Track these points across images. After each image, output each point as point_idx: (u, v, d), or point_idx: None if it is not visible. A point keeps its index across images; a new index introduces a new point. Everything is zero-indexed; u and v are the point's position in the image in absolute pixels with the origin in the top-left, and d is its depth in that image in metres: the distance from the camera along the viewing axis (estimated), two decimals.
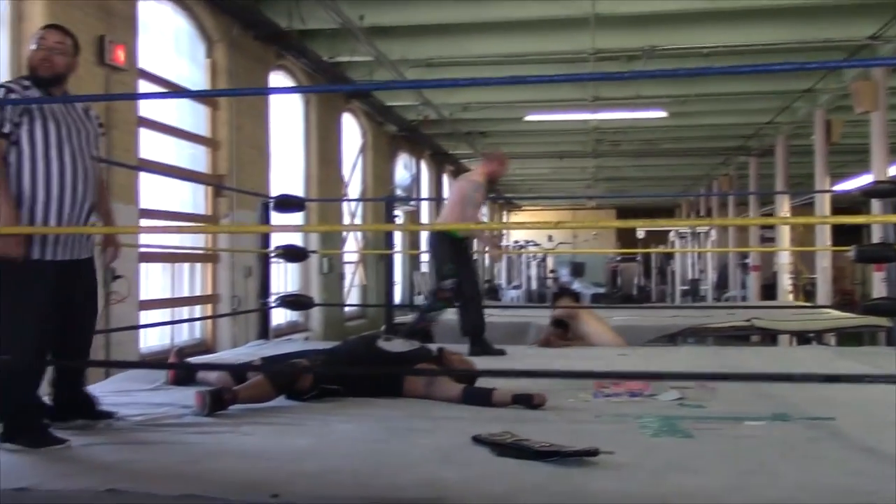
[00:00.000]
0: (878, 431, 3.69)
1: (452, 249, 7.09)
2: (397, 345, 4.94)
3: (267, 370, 4.65)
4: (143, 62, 8.52)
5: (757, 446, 3.53)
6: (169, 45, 9.47)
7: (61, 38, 3.73)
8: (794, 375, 3.92)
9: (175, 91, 9.34)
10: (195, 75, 9.96)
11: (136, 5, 8.28)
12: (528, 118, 17.06)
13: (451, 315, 9.32)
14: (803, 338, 10.15)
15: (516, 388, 4.47)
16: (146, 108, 8.61)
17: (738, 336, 10.36)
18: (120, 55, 7.70)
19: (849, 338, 10.02)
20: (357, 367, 4.81)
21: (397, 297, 16.77)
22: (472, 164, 23.55)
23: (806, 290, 19.25)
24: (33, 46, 3.68)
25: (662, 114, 16.16)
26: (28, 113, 3.55)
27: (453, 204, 7.31)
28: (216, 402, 4.11)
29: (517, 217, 37.72)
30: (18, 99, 3.60)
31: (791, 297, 17.22)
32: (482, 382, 4.64)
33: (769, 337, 10.75)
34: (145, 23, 8.69)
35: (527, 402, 4.30)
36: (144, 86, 8.54)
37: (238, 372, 4.69)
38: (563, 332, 7.67)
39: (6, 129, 3.48)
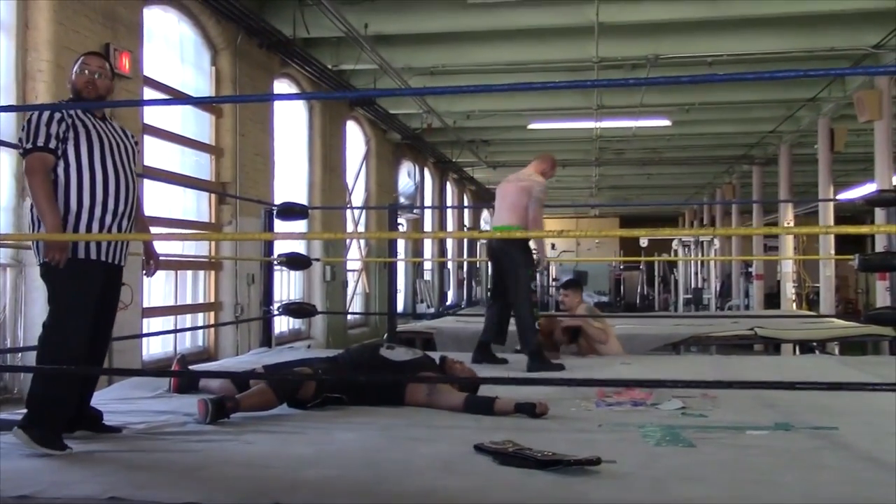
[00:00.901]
0: (881, 441, 3.68)
1: (526, 253, 6.68)
2: (400, 353, 4.94)
3: (270, 378, 4.65)
4: (149, 70, 8.55)
5: (760, 456, 3.52)
6: (174, 52, 9.50)
7: (102, 64, 4.02)
8: (797, 384, 3.90)
9: (179, 98, 9.37)
10: (200, 83, 9.99)
11: (141, 13, 8.32)
12: (532, 126, 17.08)
13: (451, 323, 9.30)
14: (806, 347, 10.13)
15: (519, 396, 4.47)
16: (151, 116, 8.63)
17: (741, 345, 10.34)
18: (125, 63, 7.74)
19: (852, 347, 9.99)
20: (360, 375, 4.81)
21: (400, 306, 16.79)
22: (477, 172, 23.62)
23: (809, 299, 19.23)
24: (77, 71, 3.94)
25: (666, 122, 16.18)
26: (73, 130, 3.79)
27: (520, 206, 6.61)
28: (218, 411, 4.12)
29: None
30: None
31: (794, 305, 17.19)
32: (484, 391, 4.63)
33: (772, 346, 10.71)
34: (151, 31, 8.73)
35: (529, 410, 4.29)
36: (149, 93, 8.56)
37: (241, 380, 4.69)
38: (568, 338, 7.55)
39: (52, 144, 3.72)
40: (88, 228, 3.79)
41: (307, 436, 3.90)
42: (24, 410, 3.79)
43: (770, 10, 10.03)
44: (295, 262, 8.17)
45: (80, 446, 3.61)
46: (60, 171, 3.76)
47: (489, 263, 6.89)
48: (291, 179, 12.65)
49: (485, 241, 7.17)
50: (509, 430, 3.88)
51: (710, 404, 4.67)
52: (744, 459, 3.48)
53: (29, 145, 3.72)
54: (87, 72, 3.92)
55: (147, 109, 8.52)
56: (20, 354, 6.67)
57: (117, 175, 3.89)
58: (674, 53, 11.67)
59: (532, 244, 7.17)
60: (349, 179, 15.20)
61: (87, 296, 3.80)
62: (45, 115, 3.78)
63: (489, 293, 6.99)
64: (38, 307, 6.72)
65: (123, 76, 7.75)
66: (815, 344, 9.96)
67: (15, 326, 6.72)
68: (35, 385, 3.79)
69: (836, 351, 9.93)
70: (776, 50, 11.62)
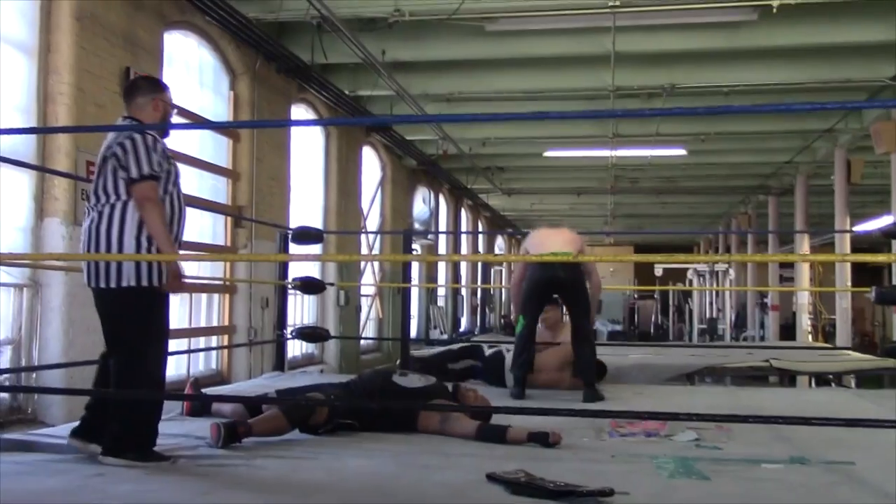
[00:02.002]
0: None
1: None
2: (413, 380, 4.92)
3: (283, 402, 4.64)
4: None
5: (775, 490, 3.48)
6: (193, 77, 9.59)
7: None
8: (813, 419, 3.86)
9: (198, 123, 9.44)
10: (218, 107, 10.08)
11: (161, 38, 8.42)
12: (548, 154, 17.11)
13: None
14: (822, 379, 10.04)
15: (532, 425, 4.44)
16: (169, 139, 8.69)
17: (755, 377, 10.25)
18: None
19: (868, 380, 9.90)
20: (372, 401, 4.79)
21: (413, 331, 16.77)
22: (492, 199, 23.66)
23: (825, 331, 19.08)
24: (166, 100, 4.07)
25: (682, 151, 16.18)
26: (167, 159, 3.91)
27: (577, 243, 6.73)
28: (230, 435, 4.11)
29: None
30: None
31: (810, 337, 17.06)
32: (497, 419, 4.61)
33: (787, 378, 10.62)
34: (171, 55, 8.82)
35: (542, 440, 4.26)
36: None
37: (253, 404, 4.69)
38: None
39: (158, 171, 3.81)
40: (152, 252, 3.84)
41: (319, 462, 3.89)
42: (41, 430, 3.81)
43: (786, 40, 10.05)
44: (309, 286, 8.18)
45: (93, 468, 3.61)
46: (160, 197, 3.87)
47: (530, 292, 6.55)
48: (307, 204, 12.70)
49: (540, 276, 6.64)
50: (522, 459, 3.86)
51: (724, 436, 4.63)
52: (758, 493, 3.44)
53: (146, 171, 3.76)
54: (169, 103, 4.07)
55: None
56: (34, 374, 6.70)
57: (181, 204, 4.02)
58: (690, 83, 11.70)
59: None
60: (364, 205, 15.25)
61: (167, 321, 4.04)
62: (150, 139, 3.83)
63: (572, 333, 6.69)
64: (52, 328, 6.76)
65: None
66: (831, 377, 9.88)
67: (30, 346, 6.74)
68: (121, 412, 3.79)
69: (853, 384, 9.83)
70: (792, 81, 11.62)
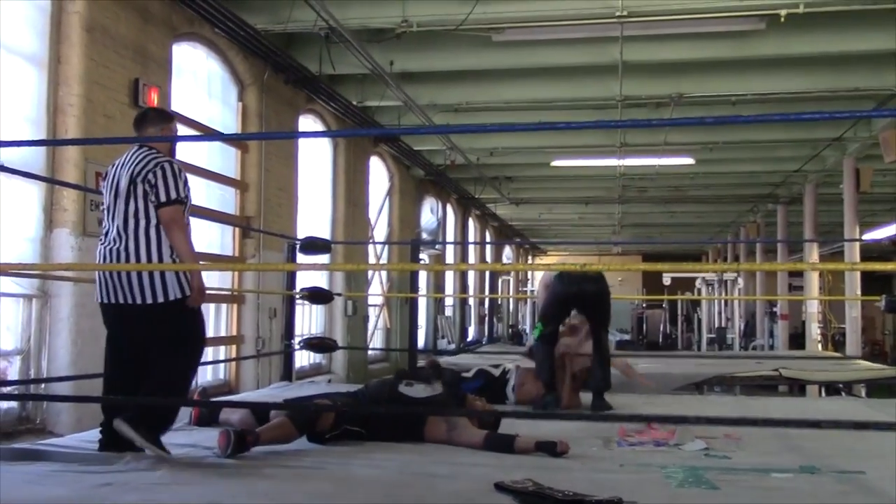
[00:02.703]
0: None
1: None
2: (419, 390, 4.91)
3: (290, 407, 4.65)
4: (176, 105, 8.67)
5: (784, 499, 3.47)
6: (202, 88, 9.64)
7: None
8: (823, 422, 3.84)
9: (206, 134, 9.48)
10: (227, 118, 10.11)
11: (170, 49, 8.46)
12: (555, 163, 17.11)
13: (471, 360, 9.26)
14: (832, 388, 10.00)
15: (540, 434, 4.43)
16: (177, 150, 8.72)
17: (765, 386, 10.22)
18: (154, 98, 7.85)
19: (879, 389, 9.85)
20: (379, 412, 4.78)
21: (421, 341, 16.77)
22: (500, 208, 23.67)
23: (835, 340, 19.00)
24: (174, 129, 4.54)
25: (690, 160, 16.15)
26: (186, 184, 4.25)
27: None
28: (239, 444, 4.11)
29: (542, 262, 37.67)
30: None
31: (820, 346, 16.99)
32: (505, 428, 4.60)
33: (797, 387, 10.59)
34: (179, 66, 8.86)
35: (550, 449, 4.25)
36: (177, 128, 8.65)
37: (261, 412, 4.70)
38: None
39: (184, 196, 4.18)
40: (183, 272, 4.19)
41: (327, 471, 3.89)
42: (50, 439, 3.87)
43: (794, 50, 10.04)
44: (317, 296, 8.19)
45: (101, 478, 3.62)
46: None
47: (554, 303, 6.46)
48: (315, 214, 12.73)
49: (566, 290, 6.50)
50: (530, 468, 3.85)
51: (733, 445, 4.61)
52: (768, 503, 3.42)
53: (174, 196, 4.12)
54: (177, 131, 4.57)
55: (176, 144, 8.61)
56: (43, 385, 6.71)
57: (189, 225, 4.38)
58: (698, 92, 11.69)
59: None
60: (372, 215, 15.27)
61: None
62: (176, 167, 4.19)
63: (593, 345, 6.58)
64: (61, 338, 6.78)
65: None
66: (841, 386, 9.83)
67: (39, 357, 6.76)
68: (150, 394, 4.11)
69: (863, 393, 9.79)
70: (801, 90, 11.60)
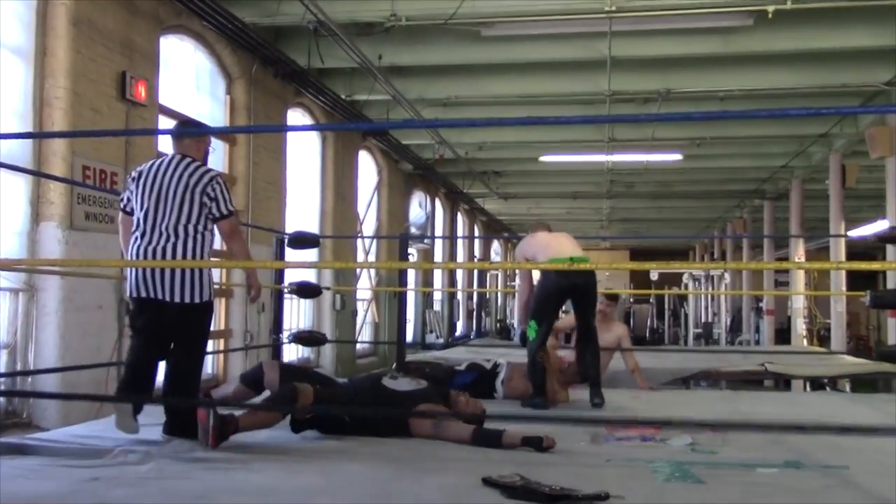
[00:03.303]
0: (893, 480, 3.65)
1: None
2: (402, 384, 4.91)
3: (266, 405, 4.69)
4: (164, 98, 8.64)
5: (769, 494, 3.49)
6: (190, 81, 9.60)
7: None
8: (808, 426, 3.88)
9: (193, 127, 9.44)
10: (215, 111, 10.08)
11: (158, 43, 8.42)
12: (543, 159, 17.13)
13: (460, 354, 9.26)
14: (817, 383, 10.07)
15: (526, 429, 4.45)
16: (165, 144, 8.69)
17: (751, 380, 10.28)
18: (141, 91, 7.83)
19: (863, 384, 9.92)
20: (363, 404, 4.77)
21: (409, 336, 16.77)
22: (488, 203, 23.68)
23: (820, 335, 19.12)
24: (208, 142, 4.85)
25: (677, 156, 16.21)
26: None
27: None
28: (220, 432, 4.11)
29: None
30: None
31: (805, 341, 17.10)
32: (492, 422, 4.61)
33: (783, 382, 10.65)
34: (167, 59, 8.83)
35: (537, 444, 4.27)
36: (164, 121, 8.64)
37: (252, 378, 5.02)
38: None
39: (234, 208, 4.62)
40: (211, 275, 4.64)
41: (315, 465, 3.89)
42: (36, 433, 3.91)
43: (782, 46, 10.08)
44: (305, 290, 8.16)
45: (84, 472, 3.62)
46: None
47: (549, 297, 6.31)
48: (303, 208, 12.71)
49: (559, 283, 6.33)
50: (518, 463, 3.86)
51: (719, 440, 4.64)
52: (753, 497, 3.45)
53: (231, 209, 4.58)
54: (210, 147, 4.89)
55: (162, 137, 8.60)
56: (30, 378, 6.69)
57: None
58: (685, 88, 11.72)
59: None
60: (361, 209, 15.26)
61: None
62: (225, 181, 4.62)
63: (580, 334, 6.49)
64: (48, 332, 6.76)
65: (139, 104, 7.84)
66: (825, 381, 9.90)
67: (26, 351, 6.74)
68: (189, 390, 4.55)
69: (847, 388, 9.86)
70: (788, 86, 11.65)
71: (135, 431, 4.33)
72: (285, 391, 4.52)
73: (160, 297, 4.41)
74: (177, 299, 4.41)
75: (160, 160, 4.60)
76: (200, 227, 4.50)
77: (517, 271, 6.62)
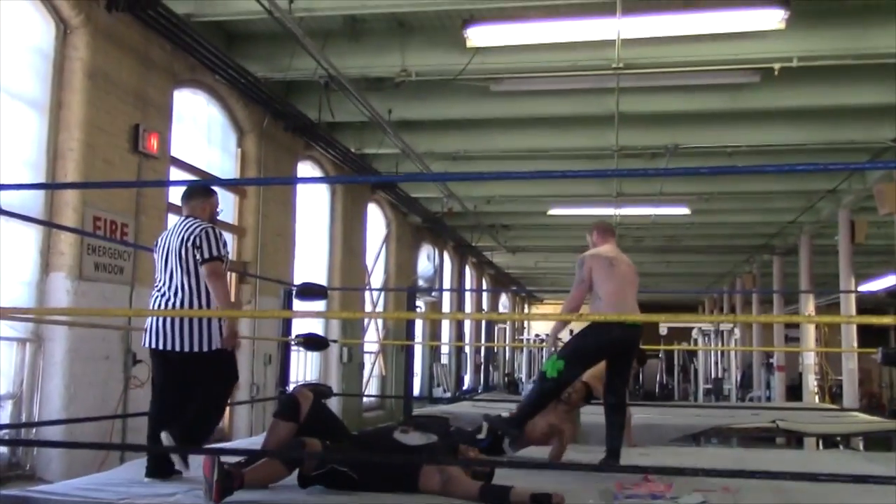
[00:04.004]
0: None
1: None
2: (414, 437, 4.84)
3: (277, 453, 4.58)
4: (176, 150, 8.72)
5: None
6: (202, 134, 9.70)
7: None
8: (820, 475, 3.79)
9: (205, 179, 9.52)
10: (226, 164, 10.17)
11: (171, 96, 8.53)
12: (552, 212, 17.18)
13: (468, 408, 9.18)
14: (830, 441, 9.92)
15: (535, 486, 4.38)
16: (176, 195, 8.75)
17: (762, 438, 10.14)
18: (153, 143, 7.90)
19: (877, 442, 9.77)
20: (373, 459, 4.71)
21: (416, 389, 16.67)
22: (496, 256, 23.68)
23: (832, 392, 18.92)
24: (214, 203, 5.19)
25: (685, 210, 16.23)
26: (224, 244, 4.94)
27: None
28: (224, 487, 4.05)
29: (538, 310, 37.63)
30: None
31: (817, 398, 16.90)
32: (500, 478, 4.55)
33: (795, 439, 10.50)
34: (180, 112, 8.93)
35: (545, 502, 4.19)
36: (176, 173, 8.71)
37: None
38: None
39: (224, 254, 4.89)
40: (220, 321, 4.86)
41: None
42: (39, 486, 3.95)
43: (788, 102, 10.16)
44: (312, 342, 8.14)
45: None
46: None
47: (597, 352, 5.62)
48: (312, 260, 12.73)
49: (621, 336, 5.44)
50: None
51: (730, 499, 4.56)
52: None
53: (215, 253, 4.80)
54: (220, 209, 5.30)
55: (172, 189, 8.66)
56: (34, 429, 6.65)
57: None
58: (693, 143, 11.79)
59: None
60: (369, 261, 15.28)
61: (235, 370, 5.15)
62: (217, 231, 4.92)
63: (607, 392, 5.79)
64: (54, 382, 6.73)
65: (151, 156, 7.91)
66: (838, 438, 9.76)
67: (31, 401, 6.71)
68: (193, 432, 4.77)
69: (861, 446, 9.71)
70: (795, 142, 11.71)
71: (165, 477, 4.66)
72: (298, 447, 4.48)
73: (164, 346, 4.75)
74: (177, 348, 4.74)
75: (172, 225, 5.11)
76: (192, 274, 4.81)
77: (577, 274, 5.85)
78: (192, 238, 4.83)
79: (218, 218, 5.25)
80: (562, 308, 5.92)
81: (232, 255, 10.20)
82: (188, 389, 4.82)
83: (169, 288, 4.84)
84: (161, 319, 4.79)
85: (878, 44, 8.40)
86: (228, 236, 10.14)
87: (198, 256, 4.80)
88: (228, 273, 9.65)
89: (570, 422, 6.15)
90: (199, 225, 4.91)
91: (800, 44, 8.55)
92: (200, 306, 4.78)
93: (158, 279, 4.95)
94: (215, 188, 5.36)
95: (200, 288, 4.80)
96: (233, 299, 5.22)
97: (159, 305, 4.88)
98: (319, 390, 5.30)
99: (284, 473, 4.36)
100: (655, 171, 12.34)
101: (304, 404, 4.76)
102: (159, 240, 5.07)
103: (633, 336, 5.65)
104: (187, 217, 5.01)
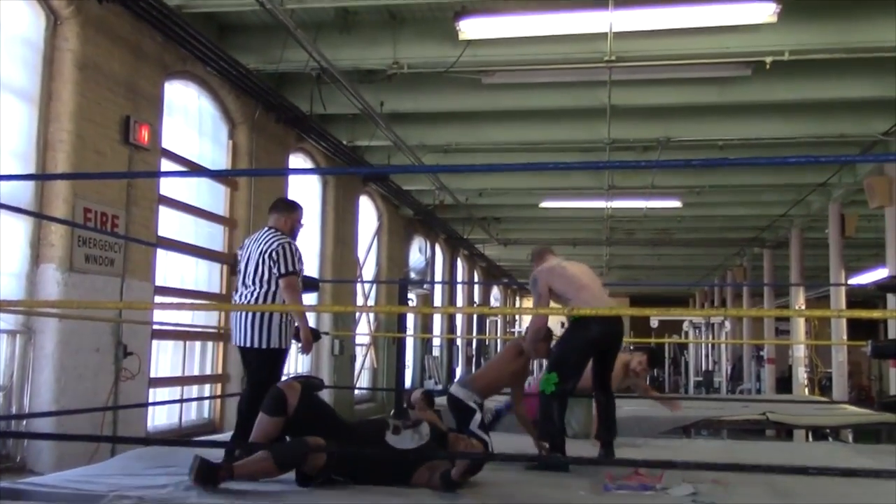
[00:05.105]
0: None
1: None
2: (406, 440, 4.70)
3: (276, 448, 4.55)
4: (167, 142, 8.69)
5: None
6: (193, 125, 9.67)
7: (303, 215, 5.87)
8: (810, 468, 3.82)
9: (196, 171, 9.50)
10: (217, 156, 10.14)
11: (162, 87, 8.50)
12: (543, 205, 17.19)
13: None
14: (819, 433, 9.98)
15: (526, 478, 4.39)
16: (167, 187, 8.74)
17: (752, 430, 10.19)
18: (144, 135, 7.87)
19: (866, 434, 9.84)
20: (367, 459, 4.62)
21: (408, 381, 16.67)
22: (488, 249, 23.70)
23: (822, 385, 19.01)
24: (297, 219, 5.71)
25: (677, 203, 16.27)
26: (300, 259, 5.47)
27: None
28: (206, 475, 4.12)
29: (530, 303, 37.63)
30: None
31: (806, 391, 16.99)
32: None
33: (784, 431, 10.56)
34: (171, 104, 8.90)
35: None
36: (166, 164, 8.69)
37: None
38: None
39: (299, 269, 5.41)
40: (288, 327, 5.37)
41: None
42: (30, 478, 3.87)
43: (780, 96, 10.18)
44: None
45: None
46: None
47: (587, 349, 5.67)
48: (303, 252, 12.68)
49: (604, 331, 5.59)
50: None
51: (721, 490, 4.58)
52: None
53: (290, 268, 5.31)
54: (301, 223, 5.79)
55: (163, 180, 8.64)
56: (24, 421, 6.63)
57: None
58: (685, 136, 11.81)
59: None
60: (360, 253, 15.27)
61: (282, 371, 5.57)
62: (294, 246, 5.44)
63: (597, 388, 5.91)
64: (45, 374, 6.72)
65: (142, 148, 7.88)
66: (828, 431, 9.82)
67: (21, 393, 6.69)
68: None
69: (850, 438, 9.77)
70: (786, 135, 11.75)
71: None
72: (297, 449, 4.43)
73: (238, 343, 5.40)
74: (246, 344, 5.32)
75: (256, 232, 5.63)
76: (265, 283, 5.35)
77: (533, 293, 5.83)
78: (269, 251, 5.35)
79: (299, 231, 5.73)
80: (531, 330, 5.86)
81: (223, 248, 10.18)
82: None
83: (246, 288, 5.40)
84: (237, 319, 5.38)
85: (870, 38, 8.43)
86: (219, 228, 10.14)
87: (274, 270, 5.31)
88: (226, 266, 9.86)
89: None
90: (278, 239, 5.40)
91: (791, 37, 8.57)
92: (263, 311, 5.31)
93: (239, 279, 5.51)
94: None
95: (268, 296, 5.32)
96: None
97: (236, 302, 5.58)
98: (310, 382, 5.19)
99: (275, 472, 4.34)
100: (647, 162, 12.38)
101: (292, 397, 4.65)
102: (246, 241, 5.65)
103: (616, 330, 5.75)
104: (270, 228, 5.54)
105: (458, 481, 4.23)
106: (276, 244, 5.37)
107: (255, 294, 5.35)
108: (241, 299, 5.44)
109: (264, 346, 5.28)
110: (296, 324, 5.39)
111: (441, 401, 6.31)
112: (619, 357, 6.41)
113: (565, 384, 5.54)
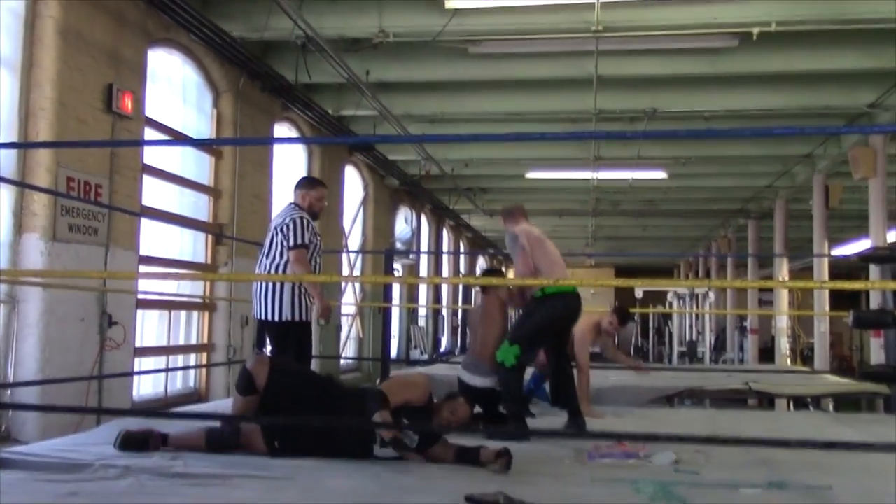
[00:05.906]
0: (875, 500, 3.65)
1: None
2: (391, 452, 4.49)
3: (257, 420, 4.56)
4: (150, 110, 8.62)
5: None
6: (177, 94, 9.58)
7: (326, 194, 6.14)
8: (792, 441, 3.88)
9: (180, 139, 9.42)
10: (201, 125, 10.06)
11: (145, 55, 8.40)
12: (530, 175, 17.18)
13: (444, 371, 9.25)
14: (801, 402, 10.09)
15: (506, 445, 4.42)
16: (151, 156, 8.68)
17: (735, 399, 10.29)
18: (127, 103, 7.80)
19: (846, 403, 9.96)
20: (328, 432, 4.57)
21: (393, 351, 16.73)
22: (474, 219, 23.69)
23: (804, 355, 19.20)
24: (316, 196, 5.92)
25: (663, 174, 16.29)
26: (314, 234, 5.74)
27: None
28: (131, 441, 4.33)
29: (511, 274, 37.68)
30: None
31: (789, 361, 17.15)
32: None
33: (766, 401, 10.67)
34: (154, 72, 8.81)
35: (507, 453, 4.22)
36: (150, 133, 8.62)
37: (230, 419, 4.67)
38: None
39: (308, 242, 5.63)
40: (302, 299, 5.66)
41: (297, 482, 3.86)
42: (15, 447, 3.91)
43: (766, 67, 10.17)
44: None
45: (67, 487, 3.57)
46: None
47: (553, 326, 5.77)
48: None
49: (570, 306, 5.82)
50: (501, 482, 3.85)
51: (703, 459, 4.64)
52: None
53: (299, 241, 5.57)
54: (324, 201, 6.00)
55: (147, 149, 8.57)
56: (9, 391, 6.62)
57: (319, 266, 5.91)
58: (671, 107, 11.79)
59: None
60: (346, 223, 15.24)
61: (309, 344, 5.94)
62: (305, 220, 5.66)
63: (554, 359, 6.01)
64: (29, 344, 6.70)
65: (125, 116, 7.81)
66: (809, 400, 9.93)
67: (5, 363, 6.67)
68: None
69: (831, 407, 9.89)
70: (772, 106, 11.75)
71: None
72: (230, 440, 4.44)
73: (256, 315, 5.77)
74: (261, 316, 5.68)
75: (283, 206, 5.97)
76: (277, 255, 5.64)
77: (519, 253, 5.89)
78: (282, 224, 5.62)
79: (320, 208, 5.92)
80: (517, 275, 5.99)
81: (208, 217, 10.14)
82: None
83: (263, 261, 5.72)
84: (255, 291, 5.70)
85: (857, 9, 8.42)
86: (204, 197, 10.09)
87: (285, 243, 5.58)
88: (211, 236, 9.92)
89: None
90: (293, 214, 5.67)
91: (778, 8, 8.55)
92: (275, 284, 5.58)
93: (261, 253, 5.82)
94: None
95: (278, 269, 5.60)
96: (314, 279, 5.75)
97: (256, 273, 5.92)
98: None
99: (203, 449, 4.39)
100: (633, 133, 12.36)
101: (260, 375, 4.50)
102: (273, 217, 6.02)
103: (577, 305, 5.89)
104: (291, 203, 5.83)
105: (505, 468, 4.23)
106: (289, 218, 5.64)
107: (267, 267, 5.64)
108: (261, 269, 5.75)
109: (277, 318, 5.55)
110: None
111: (427, 370, 6.34)
112: (589, 317, 6.56)
113: (525, 357, 5.63)
